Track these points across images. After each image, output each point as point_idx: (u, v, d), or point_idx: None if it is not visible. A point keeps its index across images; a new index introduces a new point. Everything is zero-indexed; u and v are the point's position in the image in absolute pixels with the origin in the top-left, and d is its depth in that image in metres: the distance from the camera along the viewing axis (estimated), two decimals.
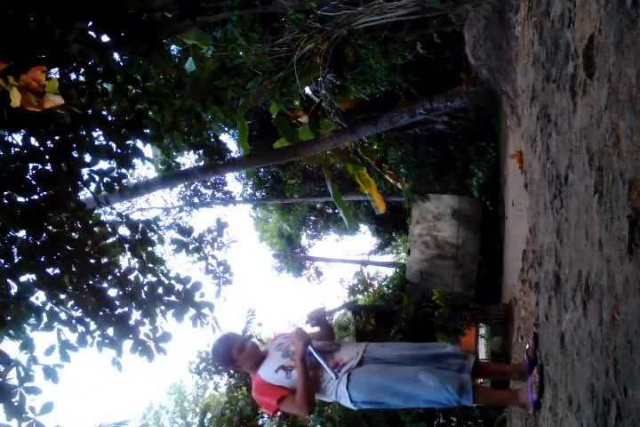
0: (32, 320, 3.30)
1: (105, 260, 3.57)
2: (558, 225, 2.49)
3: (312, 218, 17.79)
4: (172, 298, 3.72)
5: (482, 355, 11.06)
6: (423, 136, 11.42)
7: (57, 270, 3.35)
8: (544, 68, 2.98)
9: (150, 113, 3.92)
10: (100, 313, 3.42)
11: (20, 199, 3.24)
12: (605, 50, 1.69)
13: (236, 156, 13.70)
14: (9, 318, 3.13)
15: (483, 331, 11.25)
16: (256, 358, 3.07)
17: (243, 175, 15.36)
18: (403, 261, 16.60)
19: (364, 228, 18.74)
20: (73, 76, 3.49)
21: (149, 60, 3.61)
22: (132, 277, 3.68)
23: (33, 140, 3.32)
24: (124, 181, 3.73)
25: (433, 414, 7.08)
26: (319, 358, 2.89)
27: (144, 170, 15.89)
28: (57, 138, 3.39)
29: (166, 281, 3.76)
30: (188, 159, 14.05)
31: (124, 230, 3.78)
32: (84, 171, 3.57)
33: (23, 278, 3.24)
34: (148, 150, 11.67)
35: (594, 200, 1.75)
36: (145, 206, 15.88)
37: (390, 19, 6.88)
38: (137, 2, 3.73)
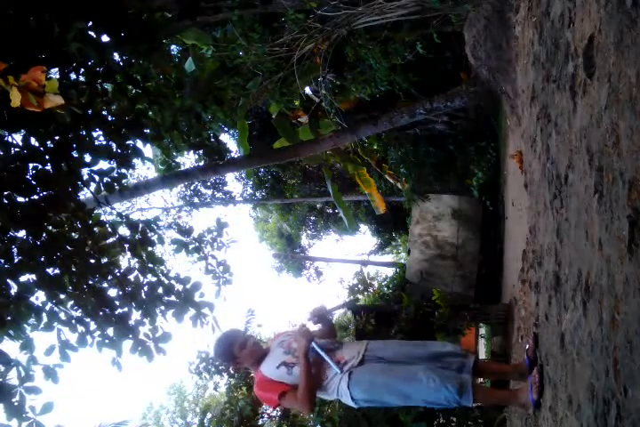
0: (32, 320, 3.29)
1: (105, 260, 3.57)
2: (558, 225, 2.50)
3: (312, 218, 17.79)
4: (172, 298, 3.72)
5: (482, 355, 11.06)
6: (423, 136, 11.42)
7: (57, 270, 3.35)
8: (544, 68, 2.98)
9: (150, 113, 3.92)
10: (100, 313, 3.42)
11: (20, 199, 3.24)
12: (605, 50, 1.69)
13: (235, 156, 13.70)
14: (9, 318, 3.13)
15: (483, 331, 11.25)
16: (258, 355, 3.09)
17: (243, 175, 15.36)
18: (403, 261, 16.61)
19: (364, 228, 18.75)
20: (73, 76, 3.48)
21: (149, 59, 3.61)
22: (131, 277, 3.68)
23: (33, 141, 3.32)
24: (123, 181, 3.73)
25: (433, 415, 7.08)
26: (323, 354, 2.90)
27: (144, 170, 15.88)
28: (57, 138, 3.39)
29: (166, 281, 3.76)
30: (188, 159, 14.07)
31: (124, 230, 3.78)
32: (84, 171, 3.56)
33: (23, 278, 3.24)
34: (148, 150, 11.67)
35: (594, 200, 1.75)
36: (145, 206, 15.89)
37: (390, 19, 6.88)
38: (137, 2, 3.72)
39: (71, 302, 3.41)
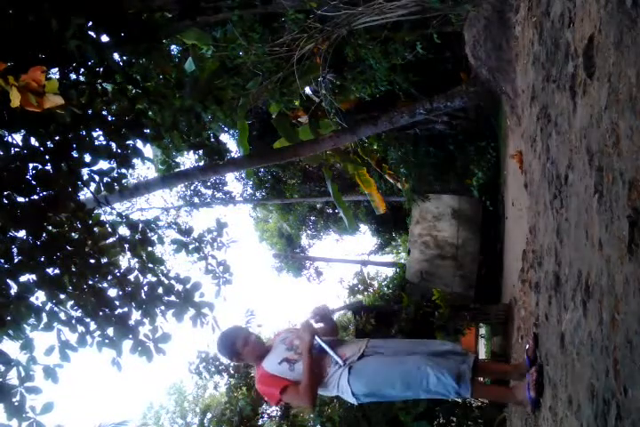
0: (32, 320, 3.29)
1: (105, 260, 3.57)
2: (558, 225, 2.50)
3: (312, 218, 17.79)
4: (172, 298, 3.72)
5: (482, 355, 11.06)
6: (423, 136, 11.42)
7: (57, 270, 3.35)
8: (544, 68, 2.98)
9: (150, 113, 3.92)
10: (100, 313, 3.42)
11: (20, 199, 3.24)
12: (605, 50, 1.69)
13: (236, 156, 13.70)
14: (9, 318, 3.13)
15: (483, 331, 11.24)
16: (260, 351, 3.12)
17: (243, 175, 15.35)
18: (403, 261, 16.60)
19: (364, 228, 18.74)
20: (73, 76, 3.48)
21: (149, 58, 3.61)
22: (131, 277, 3.68)
23: (33, 141, 3.32)
24: (123, 181, 3.73)
25: (433, 414, 7.08)
26: (325, 346, 2.93)
27: (144, 170, 15.89)
28: (57, 138, 3.39)
29: (166, 281, 3.76)
30: (188, 159, 14.07)
31: (124, 230, 3.78)
32: (84, 171, 3.56)
33: (23, 278, 3.24)
34: (148, 150, 11.67)
35: (594, 200, 1.75)
36: (145, 206, 15.89)
37: (390, 19, 6.88)
38: (137, 2, 3.72)
39: (71, 302, 3.41)
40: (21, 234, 3.27)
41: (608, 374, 1.52)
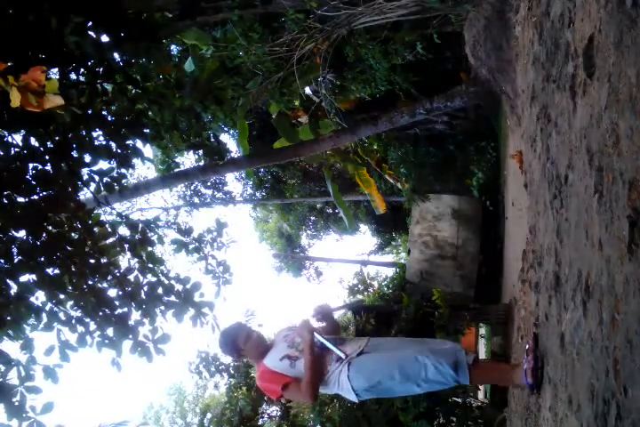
0: (32, 320, 3.30)
1: (105, 260, 3.57)
2: (558, 225, 2.50)
3: (312, 218, 17.79)
4: (172, 298, 3.72)
5: (482, 355, 11.06)
6: (423, 136, 11.42)
7: (57, 270, 3.35)
8: (544, 68, 2.98)
9: (150, 113, 3.92)
10: (100, 313, 3.42)
11: (20, 199, 3.24)
12: (605, 50, 1.69)
13: (236, 156, 13.70)
14: (9, 318, 3.13)
15: (483, 331, 11.24)
16: (261, 348, 3.13)
17: (243, 175, 15.35)
18: (403, 261, 16.59)
19: (364, 228, 18.74)
20: (73, 76, 3.48)
21: (149, 58, 3.61)
22: (131, 277, 3.68)
23: (33, 141, 3.32)
24: (123, 181, 3.73)
25: (433, 414, 7.08)
26: (325, 342, 2.96)
27: (144, 170, 15.89)
28: (57, 138, 3.39)
29: (166, 281, 3.76)
30: (188, 159, 14.07)
31: (123, 230, 3.78)
32: (84, 171, 3.57)
33: (23, 278, 3.24)
34: (148, 150, 11.67)
35: (594, 200, 1.75)
36: (145, 206, 15.88)
37: (390, 19, 6.89)
38: (137, 2, 3.72)
39: (71, 302, 3.41)
40: (21, 234, 3.28)
41: (608, 374, 1.52)
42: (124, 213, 4.26)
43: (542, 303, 3.00)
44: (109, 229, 3.66)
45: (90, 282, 3.46)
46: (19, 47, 2.96)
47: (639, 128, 1.37)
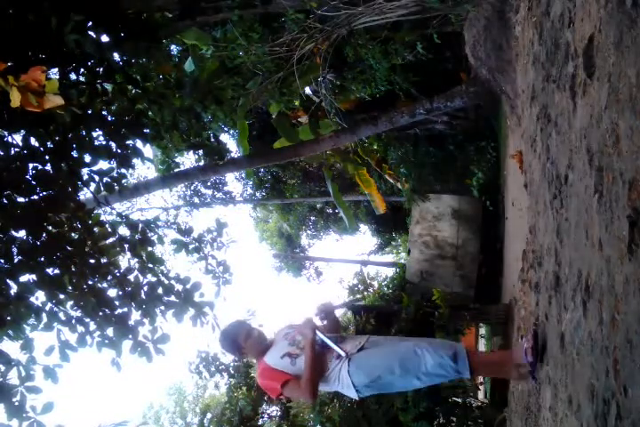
0: (32, 320, 3.30)
1: (105, 260, 3.57)
2: (558, 225, 2.50)
3: (312, 218, 17.78)
4: (172, 298, 3.72)
5: None
6: (423, 136, 11.41)
7: (57, 270, 3.35)
8: (544, 68, 2.98)
9: (150, 113, 3.92)
10: (100, 313, 3.42)
11: (20, 199, 3.24)
12: (605, 50, 1.69)
13: (236, 156, 13.69)
14: (9, 318, 3.13)
15: (483, 331, 11.25)
16: (262, 346, 3.15)
17: (243, 175, 15.34)
18: (403, 261, 16.59)
19: (364, 228, 18.73)
20: (73, 76, 3.48)
21: (149, 57, 3.60)
22: (131, 277, 3.68)
23: (33, 141, 3.32)
24: (123, 181, 3.73)
25: (433, 414, 7.08)
26: (326, 339, 2.98)
27: (144, 170, 15.88)
28: (57, 138, 3.39)
29: (166, 281, 3.76)
30: (188, 159, 14.06)
31: (123, 230, 3.78)
32: (84, 171, 3.57)
33: (23, 278, 3.24)
34: (147, 150, 11.66)
35: (594, 200, 1.75)
36: (145, 206, 15.88)
37: (390, 19, 6.89)
38: (137, 1, 3.72)
39: (71, 302, 3.41)
40: (21, 234, 3.28)
41: (608, 374, 1.52)
42: (124, 213, 4.26)
43: (542, 303, 3.00)
44: (109, 229, 3.66)
45: (90, 282, 3.45)
46: (19, 47, 2.95)
47: (639, 128, 1.37)
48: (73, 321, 3.42)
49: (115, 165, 3.60)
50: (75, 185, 3.50)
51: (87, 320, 3.43)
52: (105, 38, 3.29)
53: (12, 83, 2.14)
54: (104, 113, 3.62)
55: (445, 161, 11.43)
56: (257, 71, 7.78)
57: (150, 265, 3.74)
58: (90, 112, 3.40)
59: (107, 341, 3.47)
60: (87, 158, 3.51)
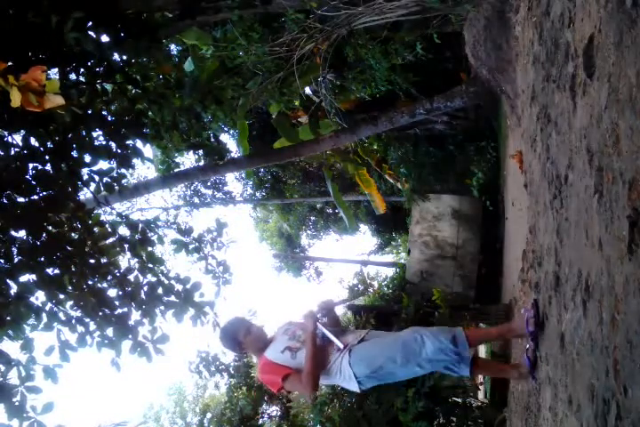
0: (32, 320, 3.30)
1: (105, 260, 3.57)
2: (558, 225, 2.50)
3: (312, 218, 17.78)
4: (172, 298, 3.72)
5: (482, 355, 11.05)
6: (423, 136, 11.42)
7: (57, 270, 3.35)
8: (544, 68, 2.98)
9: (150, 113, 3.92)
10: (100, 313, 3.42)
11: (20, 199, 3.24)
12: (605, 50, 1.69)
13: (236, 156, 13.69)
14: (9, 318, 3.13)
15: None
16: (262, 342, 3.16)
17: (243, 175, 15.34)
18: (403, 261, 16.59)
19: (364, 228, 18.74)
20: (73, 76, 3.48)
21: (150, 57, 3.60)
22: (131, 277, 3.68)
23: (33, 141, 3.32)
24: (123, 181, 3.73)
25: (433, 414, 7.07)
26: (326, 332, 3.00)
27: (144, 170, 15.87)
28: (57, 138, 3.39)
29: (166, 281, 3.76)
30: (188, 159, 14.06)
31: (123, 230, 3.78)
32: (84, 171, 3.57)
33: (23, 278, 3.24)
34: (147, 150, 11.66)
35: (594, 200, 1.75)
36: (145, 206, 15.87)
37: (390, 19, 6.88)
38: (137, 1, 3.72)
39: (71, 302, 3.41)
40: (21, 234, 3.28)
41: (608, 374, 1.52)
42: (124, 213, 4.26)
43: (542, 303, 3.00)
44: (109, 229, 3.67)
45: (90, 282, 3.46)
46: (19, 47, 2.95)
47: (639, 128, 1.37)
48: (73, 321, 3.42)
49: (115, 165, 3.60)
50: (75, 185, 3.50)
51: (87, 320, 3.43)
52: (105, 38, 3.29)
53: (13, 82, 2.14)
54: (104, 113, 3.62)
55: (445, 161, 11.43)
56: (257, 71, 7.78)
57: (150, 265, 3.74)
58: (90, 112, 3.40)
59: (106, 341, 3.47)
60: (87, 158, 3.52)
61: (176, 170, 11.84)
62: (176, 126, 4.05)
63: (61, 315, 3.40)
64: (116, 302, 3.55)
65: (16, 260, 3.20)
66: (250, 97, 8.23)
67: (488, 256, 11.07)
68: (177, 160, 13.07)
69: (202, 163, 12.99)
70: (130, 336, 3.50)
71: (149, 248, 3.78)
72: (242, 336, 3.14)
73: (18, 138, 3.30)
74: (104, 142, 3.56)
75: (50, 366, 3.27)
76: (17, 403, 3.07)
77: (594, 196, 1.75)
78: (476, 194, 11.10)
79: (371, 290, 13.20)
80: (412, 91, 9.00)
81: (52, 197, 3.32)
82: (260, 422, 8.40)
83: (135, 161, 3.72)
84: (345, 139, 9.01)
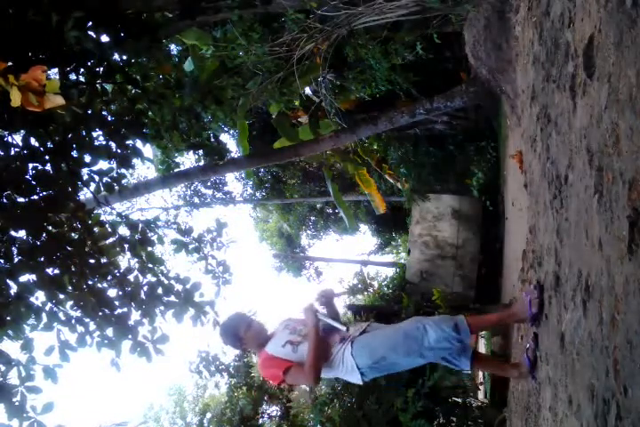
0: (32, 320, 3.30)
1: (105, 260, 3.57)
2: (558, 225, 2.49)
3: (312, 218, 17.79)
4: (172, 298, 3.72)
5: None
6: (423, 136, 11.42)
7: (57, 270, 3.35)
8: (544, 68, 2.98)
9: (150, 113, 3.92)
10: (100, 313, 3.42)
11: (20, 199, 3.24)
12: (605, 50, 1.69)
13: (236, 156, 13.69)
14: (9, 318, 3.13)
15: (483, 331, 11.24)
16: (263, 337, 3.17)
17: (243, 175, 15.34)
18: (403, 261, 16.59)
19: (364, 228, 18.74)
20: (73, 76, 3.48)
21: (150, 57, 3.60)
22: (131, 277, 3.68)
23: (33, 141, 3.32)
24: (123, 181, 3.74)
25: (433, 414, 7.07)
26: (329, 320, 3.02)
27: (144, 170, 15.87)
28: (57, 138, 3.39)
29: (166, 281, 3.76)
30: (188, 159, 14.06)
31: (123, 230, 3.78)
32: (84, 171, 3.57)
33: (23, 278, 3.24)
34: (147, 150, 11.66)
35: (594, 200, 1.75)
36: (145, 206, 15.87)
37: (390, 19, 6.88)
38: (137, 1, 3.72)
39: (71, 302, 3.41)
40: (21, 234, 3.28)
41: (608, 374, 1.52)
42: (123, 213, 4.25)
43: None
44: (109, 229, 3.67)
45: (90, 282, 3.46)
46: (19, 47, 2.95)
47: (639, 128, 1.37)
48: (73, 321, 3.42)
49: (115, 165, 3.60)
50: (75, 185, 3.50)
51: (87, 320, 3.43)
52: (105, 38, 3.29)
53: (13, 82, 2.14)
54: (104, 113, 3.62)
55: (445, 161, 11.43)
56: (257, 71, 7.78)
57: (150, 265, 3.74)
58: (90, 112, 3.40)
59: (106, 341, 3.47)
60: (87, 158, 3.52)
61: (176, 170, 11.83)
62: (176, 126, 4.05)
63: (61, 315, 3.40)
64: (116, 302, 3.55)
65: (16, 260, 3.20)
66: (250, 97, 8.23)
67: (488, 256, 11.07)
68: (177, 160, 13.07)
69: (202, 163, 12.99)
70: (130, 336, 3.50)
71: (149, 248, 3.78)
72: (242, 332, 3.14)
73: (18, 138, 3.31)
74: (104, 142, 3.56)
75: (50, 366, 3.27)
76: (17, 403, 3.07)
77: (594, 196, 1.75)
78: (475, 194, 11.10)
79: (371, 290, 13.20)
80: (412, 91, 8.99)
81: (52, 197, 3.32)
82: (260, 422, 8.40)
83: (135, 161, 3.72)
84: (345, 139, 9.01)
